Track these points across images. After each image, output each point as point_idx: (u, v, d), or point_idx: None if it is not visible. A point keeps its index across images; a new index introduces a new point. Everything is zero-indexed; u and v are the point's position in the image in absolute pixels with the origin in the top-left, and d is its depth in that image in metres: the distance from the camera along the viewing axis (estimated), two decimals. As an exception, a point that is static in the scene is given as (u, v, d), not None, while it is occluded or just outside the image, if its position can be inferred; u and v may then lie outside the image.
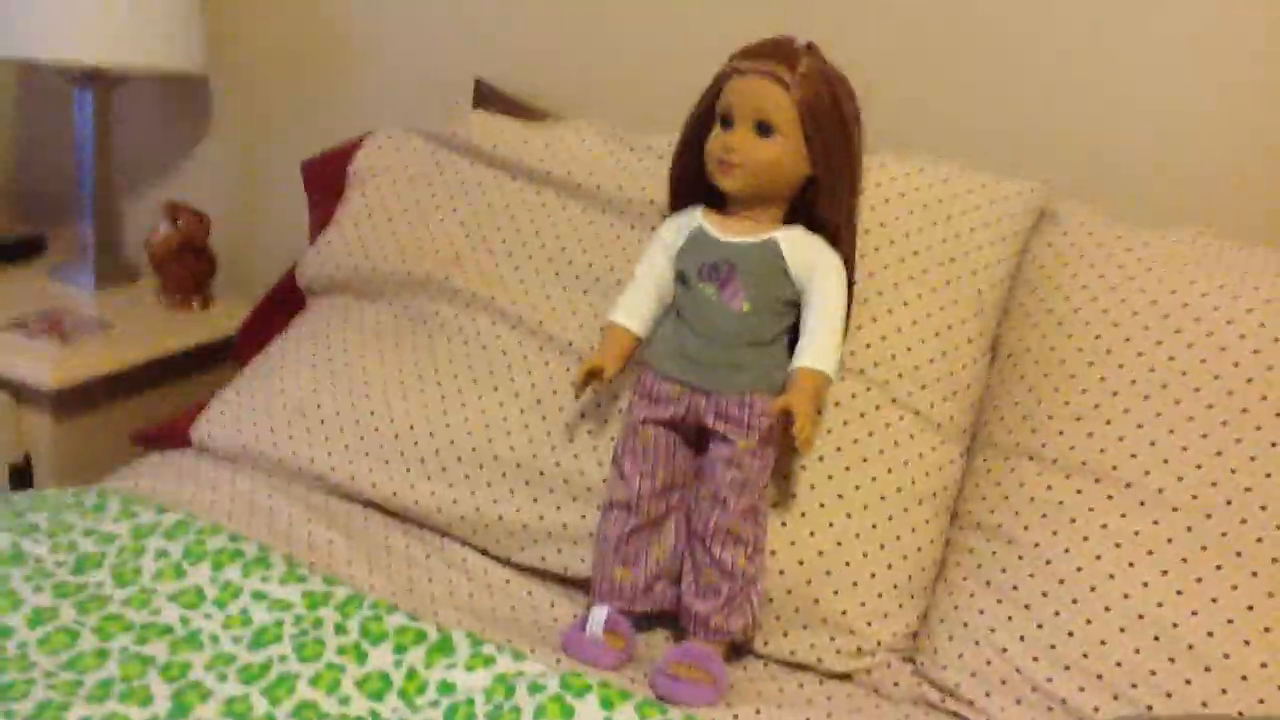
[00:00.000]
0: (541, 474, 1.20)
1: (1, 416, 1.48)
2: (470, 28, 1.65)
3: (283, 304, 1.50)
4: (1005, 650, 1.05)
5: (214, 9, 1.75)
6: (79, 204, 1.75)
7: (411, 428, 1.26)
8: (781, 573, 1.11)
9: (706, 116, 1.13)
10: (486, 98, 1.58)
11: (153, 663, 0.93)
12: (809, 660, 1.11)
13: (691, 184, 1.16)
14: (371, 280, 1.39)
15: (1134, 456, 1.08)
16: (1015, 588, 1.08)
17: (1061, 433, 1.12)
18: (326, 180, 1.54)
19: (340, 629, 0.98)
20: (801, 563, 1.11)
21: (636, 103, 1.53)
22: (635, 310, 1.16)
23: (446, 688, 0.94)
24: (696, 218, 1.14)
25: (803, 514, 1.12)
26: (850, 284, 1.13)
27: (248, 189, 1.83)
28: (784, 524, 1.12)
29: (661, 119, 1.27)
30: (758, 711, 1.03)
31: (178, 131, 1.86)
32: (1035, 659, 1.03)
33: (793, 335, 1.11)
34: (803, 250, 1.10)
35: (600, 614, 1.08)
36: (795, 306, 1.11)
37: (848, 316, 1.13)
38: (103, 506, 1.13)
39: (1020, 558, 1.09)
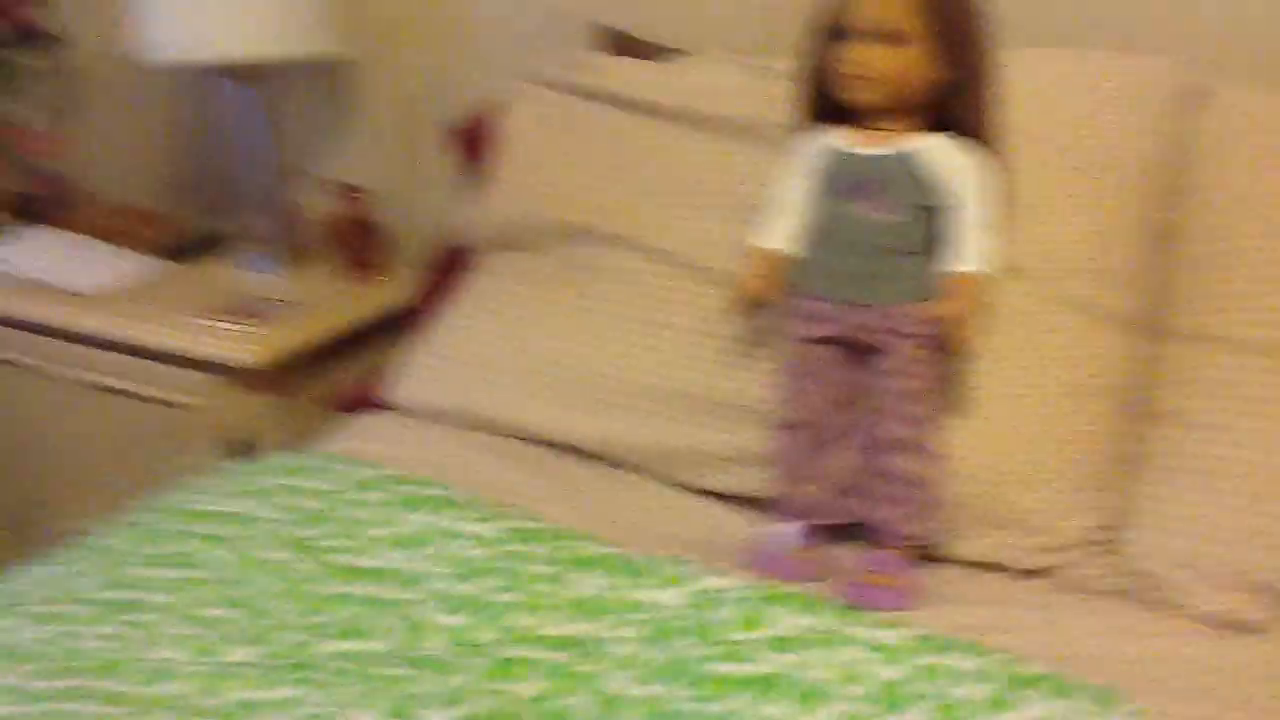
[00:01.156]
0: (714, 401, 1.25)
1: (218, 399, 1.61)
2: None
3: (452, 266, 1.58)
4: (1208, 536, 1.05)
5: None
6: (253, 195, 1.86)
7: (586, 369, 1.32)
8: (964, 476, 1.13)
9: (829, 29, 1.12)
10: (607, 40, 1.61)
11: (384, 602, 1.02)
12: (999, 559, 1.13)
13: (820, 100, 1.16)
14: (527, 233, 1.45)
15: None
16: (1212, 472, 1.07)
17: (1242, 310, 1.11)
18: (472, 144, 1.61)
19: (547, 560, 1.05)
20: (983, 465, 1.13)
21: (754, 29, 1.54)
22: (779, 232, 1.17)
23: (652, 607, 1.00)
24: (830, 134, 1.15)
25: (979, 417, 1.14)
26: (1000, 183, 1.13)
27: (402, 162, 1.91)
28: (961, 428, 1.14)
29: (783, 44, 1.27)
30: (953, 611, 1.06)
31: (330, 114, 1.96)
32: (1238, 542, 1.03)
33: (946, 240, 1.12)
34: (942, 156, 1.10)
35: (789, 529, 1.13)
36: (942, 213, 1.11)
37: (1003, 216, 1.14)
38: (326, 468, 1.22)
39: (1214, 441, 1.09)
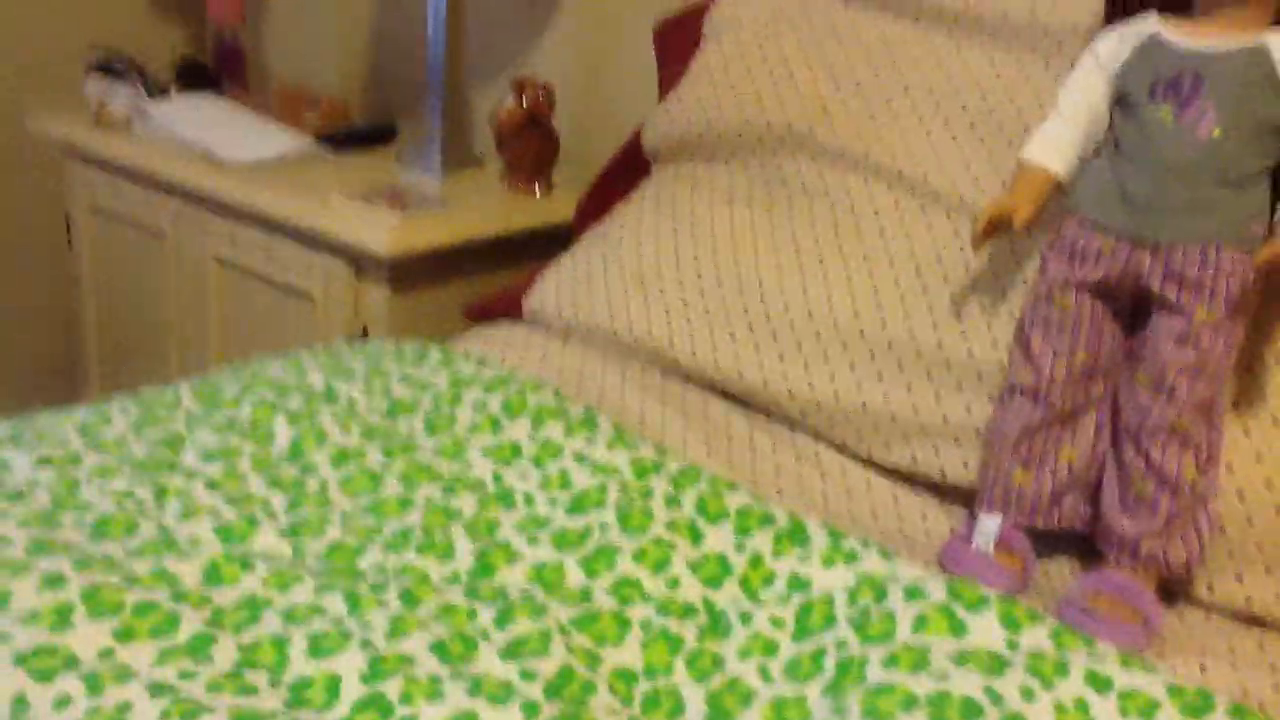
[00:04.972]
0: (918, 356, 0.98)
1: (340, 286, 1.44)
2: None
3: (624, 176, 1.36)
4: None
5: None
6: (428, 90, 1.69)
7: (764, 300, 1.07)
8: (1240, 494, 0.83)
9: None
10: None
11: (458, 517, 0.80)
12: (1273, 614, 0.83)
13: (1141, -16, 0.90)
14: (724, 139, 1.21)
15: None
16: None
17: None
18: (678, 43, 1.38)
19: (672, 502, 0.81)
20: (1270, 484, 0.83)
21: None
22: (1056, 145, 0.91)
23: (798, 583, 0.75)
24: (1149, 25, 0.88)
25: (1275, 418, 0.84)
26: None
27: (597, 64, 1.70)
28: (1247, 429, 0.85)
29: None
30: (1203, 668, 0.77)
31: (526, 10, 1.77)
32: None
33: (1276, 175, 0.83)
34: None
35: (991, 525, 0.85)
36: (1284, 136, 0.83)
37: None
38: (423, 357, 1.02)
39: None
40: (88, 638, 0.63)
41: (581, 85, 1.72)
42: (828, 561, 0.76)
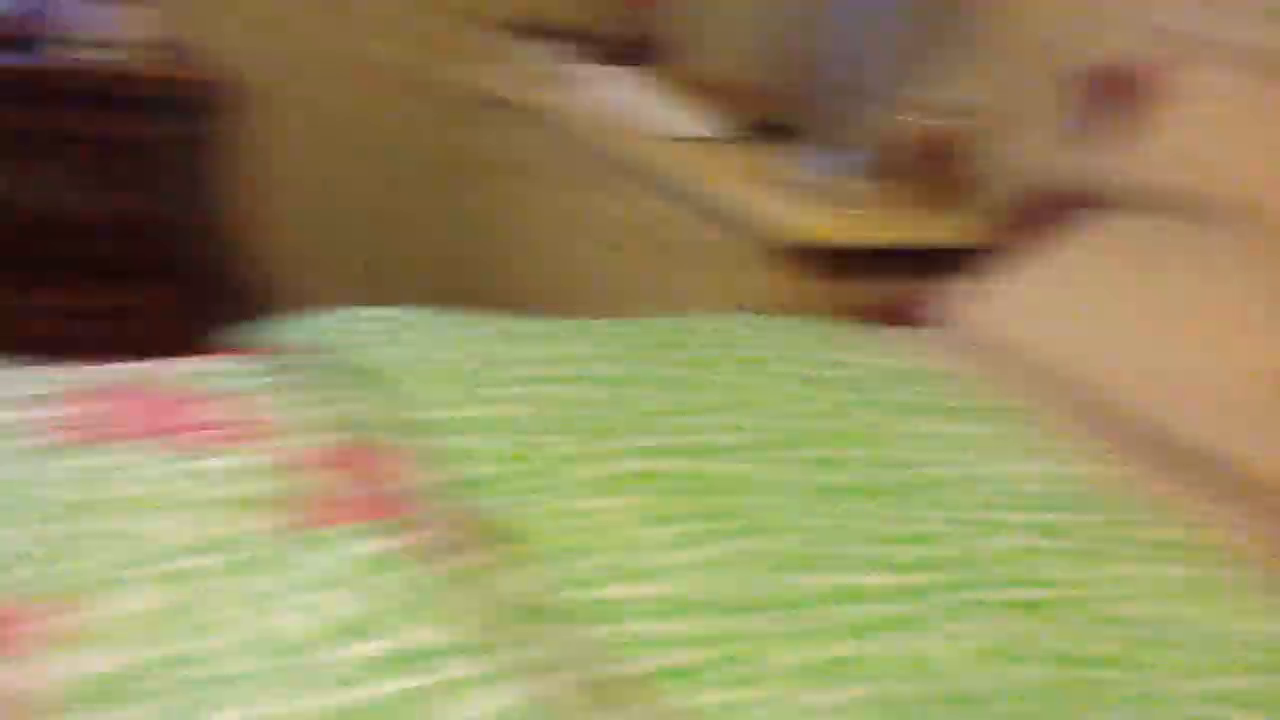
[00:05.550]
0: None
1: (741, 268, 1.50)
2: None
3: (1047, 213, 1.37)
4: None
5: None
6: (840, 97, 1.74)
7: (1223, 365, 1.06)
8: None
9: None
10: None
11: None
12: None
13: None
14: (1205, 200, 1.20)
15: None
16: None
17: None
18: (1115, 93, 1.38)
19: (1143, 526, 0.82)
20: None
21: None
22: None
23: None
24: None
25: None
26: None
27: (1010, 98, 1.71)
28: None
29: None
30: None
31: (947, 36, 1.79)
32: None
33: None
34: None
35: None
36: None
37: None
38: (869, 344, 1.07)
39: None
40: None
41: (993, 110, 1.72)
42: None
